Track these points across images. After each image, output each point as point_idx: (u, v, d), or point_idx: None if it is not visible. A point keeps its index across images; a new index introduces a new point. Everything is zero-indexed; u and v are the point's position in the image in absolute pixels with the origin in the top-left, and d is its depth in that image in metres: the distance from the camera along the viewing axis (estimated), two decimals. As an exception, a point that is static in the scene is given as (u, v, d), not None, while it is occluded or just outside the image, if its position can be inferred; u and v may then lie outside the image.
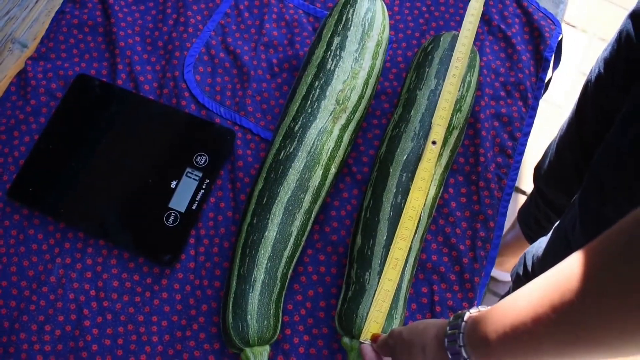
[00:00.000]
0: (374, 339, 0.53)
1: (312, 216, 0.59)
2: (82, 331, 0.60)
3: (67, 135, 0.66)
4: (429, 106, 0.60)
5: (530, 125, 0.68)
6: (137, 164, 0.64)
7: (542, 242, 0.79)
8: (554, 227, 0.74)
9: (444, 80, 0.61)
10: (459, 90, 0.61)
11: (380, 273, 0.56)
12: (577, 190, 0.65)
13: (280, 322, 0.57)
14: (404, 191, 0.58)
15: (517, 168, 0.66)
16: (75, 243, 0.63)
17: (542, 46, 0.70)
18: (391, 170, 0.59)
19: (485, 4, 0.72)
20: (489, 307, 0.40)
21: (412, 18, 0.72)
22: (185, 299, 0.61)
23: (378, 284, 0.55)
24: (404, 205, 0.57)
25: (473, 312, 0.42)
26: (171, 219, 0.62)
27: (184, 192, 0.63)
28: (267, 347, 0.56)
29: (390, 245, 0.56)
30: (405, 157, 0.59)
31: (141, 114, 0.66)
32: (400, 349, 0.47)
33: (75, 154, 0.65)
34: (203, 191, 0.63)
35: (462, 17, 0.72)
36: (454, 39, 0.63)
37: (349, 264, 0.59)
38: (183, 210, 0.62)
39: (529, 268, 0.80)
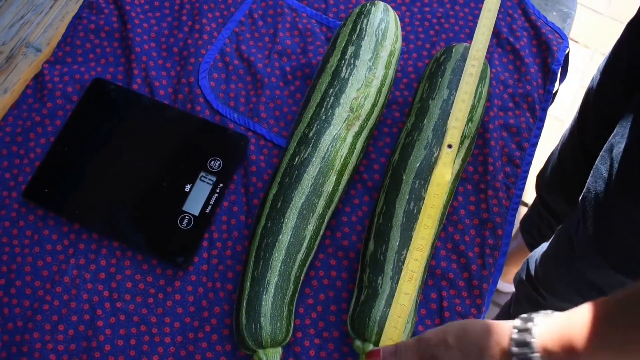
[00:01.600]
0: (371, 355, 0.48)
1: (325, 221, 0.60)
2: (95, 331, 0.60)
3: (83, 137, 0.66)
4: (441, 115, 0.61)
5: (538, 136, 0.69)
6: (151, 167, 0.65)
7: (544, 247, 0.81)
8: (556, 231, 0.75)
9: (456, 91, 0.62)
10: (471, 101, 0.63)
11: (392, 278, 0.57)
12: (579, 197, 0.67)
13: (292, 325, 0.58)
14: (417, 198, 0.59)
15: (525, 178, 0.68)
16: (90, 244, 0.63)
17: (549, 59, 0.72)
18: (404, 177, 0.60)
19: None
20: (567, 313, 0.37)
21: (423, 29, 0.74)
22: (198, 301, 0.62)
23: (390, 288, 0.56)
24: (417, 211, 0.58)
25: (539, 318, 0.39)
26: (185, 221, 0.63)
27: (197, 196, 0.64)
28: (280, 349, 0.57)
29: (403, 250, 0.57)
30: (418, 164, 0.60)
31: (156, 118, 0.67)
32: (444, 355, 0.41)
33: (91, 156, 0.66)
34: (217, 195, 0.64)
35: (471, 29, 0.74)
36: (466, 50, 0.65)
37: (361, 268, 0.59)
38: (197, 214, 0.63)
39: (532, 272, 0.82)
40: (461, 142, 0.62)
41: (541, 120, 0.70)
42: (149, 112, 0.67)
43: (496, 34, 0.74)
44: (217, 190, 0.64)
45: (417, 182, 0.59)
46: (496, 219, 0.65)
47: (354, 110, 0.61)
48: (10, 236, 0.64)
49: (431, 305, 0.62)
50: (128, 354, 0.60)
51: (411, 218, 0.58)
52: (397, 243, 0.58)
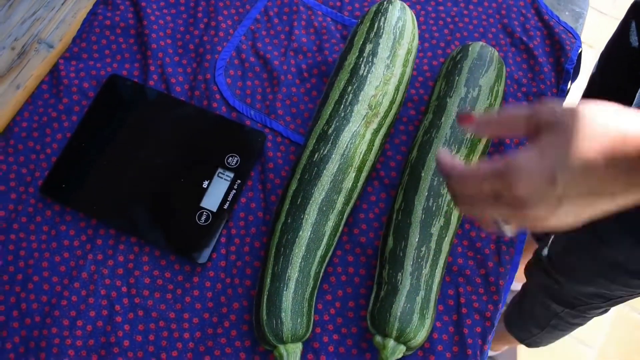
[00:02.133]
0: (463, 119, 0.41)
1: (344, 217, 0.60)
2: (114, 327, 0.60)
3: (100, 133, 0.66)
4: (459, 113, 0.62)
5: (552, 134, 0.70)
6: (169, 163, 0.65)
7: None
8: None
9: (473, 89, 0.63)
10: (488, 99, 0.63)
11: (412, 274, 0.57)
12: None
13: (312, 320, 0.58)
14: (436, 195, 0.59)
15: (540, 176, 0.68)
16: (107, 240, 0.63)
17: (562, 58, 0.73)
18: (423, 174, 0.60)
19: (508, 17, 0.75)
20: None
21: (437, 28, 0.74)
22: (217, 297, 0.62)
23: (410, 284, 0.57)
24: (436, 208, 0.59)
25: None
26: (203, 217, 0.63)
27: (215, 192, 0.64)
28: (300, 345, 0.57)
29: (422, 247, 0.58)
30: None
31: (173, 114, 0.67)
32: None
33: (108, 152, 0.66)
34: (234, 191, 0.64)
35: (485, 28, 0.74)
36: (482, 49, 0.65)
37: (380, 265, 0.60)
38: (215, 210, 0.63)
39: (545, 259, 0.82)
40: (478, 141, 0.62)
41: (555, 119, 0.71)
42: (166, 109, 0.67)
43: (510, 33, 0.74)
44: (235, 187, 0.64)
45: (436, 179, 0.60)
46: (512, 216, 0.65)
47: (373, 107, 0.61)
48: (28, 232, 0.63)
49: (448, 302, 0.62)
50: (147, 350, 0.60)
51: (430, 215, 0.59)
52: (417, 240, 0.58)
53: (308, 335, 0.58)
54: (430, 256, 0.58)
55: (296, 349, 0.57)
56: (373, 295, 0.59)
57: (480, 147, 0.62)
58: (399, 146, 0.68)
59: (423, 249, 0.58)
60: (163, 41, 0.71)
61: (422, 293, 0.57)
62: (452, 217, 0.60)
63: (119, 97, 0.68)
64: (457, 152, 0.61)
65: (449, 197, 0.59)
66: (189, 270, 0.63)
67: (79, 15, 0.78)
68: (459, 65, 0.65)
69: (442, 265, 0.59)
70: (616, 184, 0.34)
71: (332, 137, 0.60)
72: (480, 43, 0.67)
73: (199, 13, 0.73)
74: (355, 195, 0.61)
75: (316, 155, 0.60)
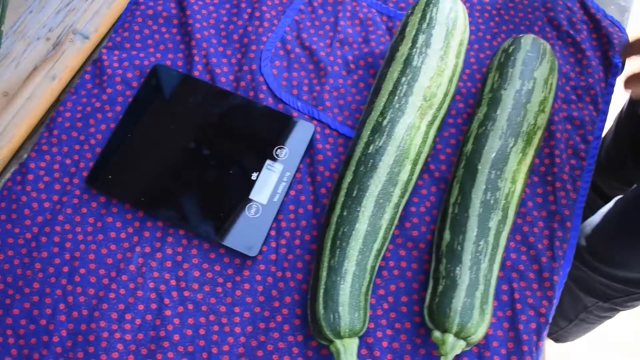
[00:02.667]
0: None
1: (399, 210, 0.59)
2: (163, 320, 0.59)
3: (145, 123, 0.65)
4: (515, 105, 0.61)
5: (602, 129, 0.69)
6: (217, 155, 0.64)
7: (592, 223, 0.81)
8: (615, 202, 0.75)
9: (528, 82, 0.62)
10: (542, 92, 0.62)
11: (471, 268, 0.56)
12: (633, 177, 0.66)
13: (368, 315, 0.57)
14: (494, 188, 0.58)
15: (590, 171, 0.67)
16: (155, 232, 0.62)
17: (610, 52, 0.72)
18: (479, 167, 0.59)
19: (553, 9, 0.74)
20: None
21: (483, 21, 0.73)
22: (268, 291, 0.60)
23: (469, 278, 0.56)
24: (494, 202, 0.58)
25: None
26: (253, 210, 0.62)
27: (264, 184, 0.63)
28: (357, 340, 0.56)
29: (481, 240, 0.57)
30: (493, 154, 0.59)
31: (220, 105, 0.66)
32: None
33: (154, 142, 0.64)
34: (284, 184, 0.63)
35: (531, 21, 0.73)
36: (535, 41, 0.64)
37: (436, 259, 0.59)
38: (265, 202, 0.62)
39: (583, 249, 0.82)
40: (534, 133, 0.61)
41: (604, 113, 0.70)
42: (212, 99, 0.66)
43: (556, 26, 0.73)
44: (285, 179, 0.63)
45: (493, 172, 0.59)
46: (564, 211, 0.64)
47: (427, 99, 0.60)
48: (73, 223, 0.62)
49: (502, 298, 0.61)
50: (197, 344, 0.59)
51: (488, 208, 0.58)
52: (475, 233, 0.57)
53: (364, 329, 0.57)
54: (489, 250, 0.57)
55: (353, 344, 0.56)
56: (430, 290, 0.58)
57: (536, 140, 0.61)
58: (447, 139, 0.67)
59: (481, 243, 0.57)
60: (207, 31, 0.70)
61: (481, 288, 0.56)
62: (509, 211, 0.59)
63: (164, 86, 0.67)
64: (514, 144, 0.60)
65: (506, 190, 0.58)
66: (238, 263, 0.61)
67: (113, 6, 0.77)
68: (512, 58, 0.64)
69: (499, 260, 0.58)
70: None
71: (387, 129, 0.59)
72: (532, 35, 0.66)
73: (242, 3, 0.72)
74: (410, 189, 0.60)
75: (371, 147, 0.59)
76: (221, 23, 0.71)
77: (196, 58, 0.68)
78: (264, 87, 0.68)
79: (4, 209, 0.62)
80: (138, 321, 0.59)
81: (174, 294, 0.60)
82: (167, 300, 0.60)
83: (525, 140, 0.60)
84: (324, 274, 0.56)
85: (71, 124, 0.66)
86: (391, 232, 0.59)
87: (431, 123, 0.61)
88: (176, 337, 0.59)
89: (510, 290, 0.62)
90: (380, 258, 0.58)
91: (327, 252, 0.57)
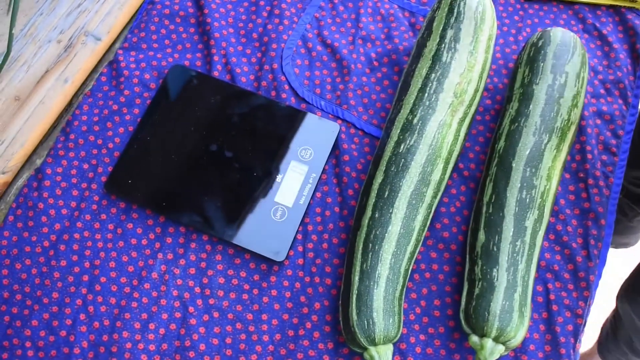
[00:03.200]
0: None
1: (432, 211, 0.57)
2: (188, 330, 0.57)
3: (165, 125, 0.63)
4: (548, 100, 0.59)
5: (633, 123, 0.67)
6: (240, 157, 0.62)
7: None
8: None
9: (560, 76, 0.60)
10: (575, 86, 0.60)
11: (508, 269, 0.54)
12: None
13: (402, 320, 0.55)
14: (529, 186, 0.56)
15: (623, 166, 0.65)
16: (177, 238, 0.60)
17: (638, 44, 0.70)
18: (514, 164, 0.57)
19: (578, 2, 0.72)
20: None
21: (507, 15, 0.71)
22: (296, 297, 0.58)
23: (507, 280, 0.54)
24: (529, 200, 0.56)
25: None
26: (278, 213, 0.60)
27: (290, 186, 0.61)
28: (391, 347, 0.54)
29: (517, 240, 0.55)
30: (527, 151, 0.57)
31: (242, 105, 0.64)
32: None
33: (174, 145, 0.62)
34: (310, 185, 0.61)
35: (556, 14, 0.71)
36: (565, 34, 0.62)
37: (470, 260, 0.57)
38: (290, 205, 0.60)
39: None
40: (568, 129, 0.59)
41: (634, 107, 0.68)
42: (233, 100, 0.64)
43: (581, 19, 0.71)
44: (310, 181, 0.61)
45: (528, 169, 0.57)
46: (598, 208, 0.62)
47: (458, 95, 0.58)
48: (92, 230, 0.60)
49: (537, 299, 0.59)
50: (224, 354, 0.56)
51: (524, 207, 0.56)
52: (511, 233, 0.55)
53: (398, 336, 0.55)
54: (526, 251, 0.55)
55: (387, 350, 0.53)
56: (465, 293, 0.56)
57: (570, 136, 0.59)
58: (475, 136, 0.65)
59: (518, 243, 0.55)
60: (225, 30, 0.68)
61: (519, 290, 0.54)
62: (545, 210, 0.57)
63: (183, 87, 0.65)
64: (549, 141, 0.58)
65: (542, 188, 0.56)
66: (265, 269, 0.59)
67: (125, 7, 0.75)
68: (542, 52, 0.62)
69: (535, 261, 0.56)
70: None
71: (418, 127, 0.57)
72: (561, 29, 0.64)
73: (260, 0, 0.70)
74: (442, 188, 0.58)
75: (402, 146, 0.57)
76: (240, 21, 0.69)
77: (215, 58, 0.66)
78: (286, 87, 0.66)
79: (20, 216, 0.60)
80: (162, 331, 0.57)
81: (199, 301, 0.58)
82: (191, 309, 0.58)
83: (559, 136, 0.58)
84: (356, 278, 0.54)
85: (88, 128, 0.64)
86: (423, 234, 0.57)
87: (462, 120, 0.59)
88: (202, 346, 0.56)
89: (546, 291, 0.60)
90: (413, 261, 0.56)
91: (358, 255, 0.55)
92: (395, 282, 0.54)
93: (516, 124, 0.59)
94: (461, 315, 0.55)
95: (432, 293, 0.59)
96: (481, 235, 0.56)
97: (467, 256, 0.58)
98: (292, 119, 0.64)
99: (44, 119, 0.68)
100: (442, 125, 0.57)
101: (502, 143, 0.59)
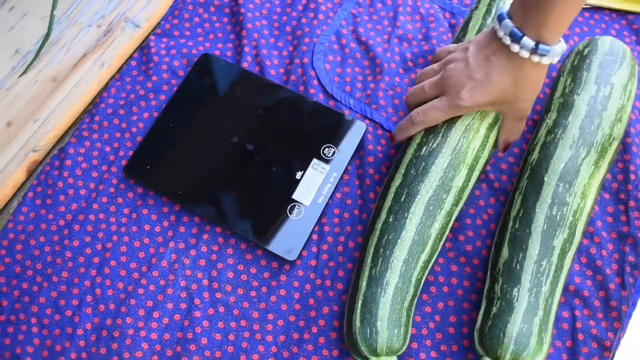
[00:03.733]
0: None
1: (452, 219, 0.54)
2: (192, 322, 0.55)
3: (189, 114, 0.62)
4: (589, 112, 0.55)
5: (685, 145, 0.62)
6: (261, 150, 0.60)
7: None
8: None
9: (604, 87, 0.56)
10: (620, 99, 0.56)
11: (531, 290, 0.50)
12: None
13: (409, 333, 0.52)
14: (561, 203, 0.52)
15: (671, 191, 0.60)
16: (190, 228, 0.59)
17: (698, 62, 0.65)
18: (546, 178, 0.53)
19: (632, 11, 0.67)
20: None
21: (556, 22, 0.67)
22: (305, 299, 0.56)
23: (528, 302, 0.50)
24: (560, 218, 0.52)
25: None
26: (295, 211, 0.58)
27: (309, 184, 0.59)
28: (395, 359, 0.51)
29: (543, 260, 0.51)
30: (562, 165, 0.53)
31: (268, 98, 0.62)
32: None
33: (196, 134, 0.61)
34: (330, 185, 0.59)
35: (607, 24, 0.67)
36: (613, 43, 0.58)
37: (491, 277, 0.53)
38: (308, 203, 0.58)
39: None
40: (609, 144, 0.55)
41: (689, 128, 0.63)
42: (260, 92, 0.63)
43: (635, 30, 0.67)
44: (331, 180, 0.59)
45: (561, 185, 0.53)
46: (637, 233, 0.58)
47: (490, 101, 0.55)
48: (108, 213, 0.60)
49: (562, 325, 0.55)
50: (225, 350, 0.55)
51: (553, 225, 0.52)
52: (537, 252, 0.51)
53: (404, 348, 0.52)
54: (552, 272, 0.51)
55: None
56: (482, 311, 0.52)
57: (610, 153, 0.55)
58: (511, 147, 0.61)
59: (544, 263, 0.51)
60: (259, 22, 0.67)
61: (540, 313, 0.50)
62: (576, 229, 0.53)
63: (211, 77, 0.64)
64: (587, 156, 0.53)
65: (575, 205, 0.52)
66: (276, 267, 0.57)
67: (166, -5, 0.75)
68: (587, 60, 0.58)
69: (562, 284, 0.52)
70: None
71: (442, 130, 0.54)
72: (610, 37, 0.59)
73: (297, -6, 0.69)
74: (465, 196, 0.55)
75: (424, 149, 0.54)
76: (274, 14, 0.68)
77: (246, 49, 0.65)
78: (315, 82, 0.64)
79: (40, 193, 0.61)
80: (165, 320, 0.56)
81: (206, 294, 0.57)
82: (197, 301, 0.56)
83: (598, 151, 0.54)
84: (363, 284, 0.52)
85: (113, 111, 0.64)
86: (441, 243, 0.54)
87: (491, 126, 0.55)
88: (204, 340, 0.55)
89: (572, 318, 0.55)
90: (427, 271, 0.53)
91: (368, 260, 0.52)
92: (405, 291, 0.51)
93: (552, 135, 0.55)
94: (475, 335, 0.52)
95: (448, 308, 0.56)
96: (504, 251, 0.53)
97: (488, 272, 0.54)
98: (318, 116, 0.62)
99: (78, 101, 0.68)
100: (468, 130, 0.54)
101: (535, 155, 0.55)
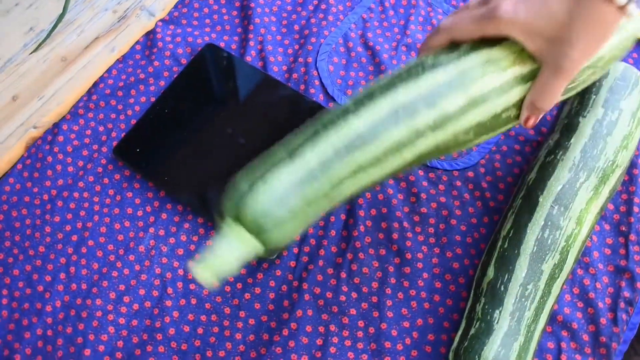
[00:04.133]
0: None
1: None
2: (162, 311, 0.54)
3: (185, 102, 0.61)
4: (593, 136, 0.53)
5: (696, 183, 0.59)
6: (252, 145, 0.59)
7: None
8: None
9: (612, 111, 0.53)
10: (628, 125, 0.54)
11: (513, 313, 0.48)
12: None
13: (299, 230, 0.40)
14: (553, 226, 0.50)
15: (675, 229, 0.57)
16: (173, 216, 0.58)
17: None
18: (541, 199, 0.51)
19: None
20: None
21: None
22: (279, 300, 0.54)
23: (509, 326, 0.47)
24: (551, 242, 0.49)
25: None
26: (279, 209, 0.56)
27: (297, 183, 0.57)
28: (254, 242, 0.39)
29: (529, 284, 0.48)
30: (559, 187, 0.51)
31: (267, 94, 0.61)
32: None
33: (190, 123, 0.60)
34: (318, 186, 0.57)
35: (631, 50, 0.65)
36: (627, 70, 0.56)
37: (474, 296, 0.51)
38: (293, 202, 0.56)
39: None
40: (612, 171, 0.52)
41: (701, 166, 0.60)
42: (260, 87, 0.62)
43: (656, 63, 0.64)
44: (320, 181, 0.57)
45: (556, 207, 0.50)
46: (636, 269, 0.55)
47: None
48: (92, 192, 0.59)
49: (546, 356, 0.52)
50: (192, 343, 0.53)
51: (544, 248, 0.49)
52: (524, 274, 0.49)
53: (280, 246, 0.40)
54: (537, 297, 0.49)
55: (245, 239, 0.39)
56: (460, 332, 0.50)
57: (613, 180, 0.53)
58: (510, 167, 0.59)
59: (529, 287, 0.49)
60: (267, 17, 0.66)
61: (520, 339, 0.48)
62: (568, 256, 0.50)
63: (213, 67, 0.63)
64: (586, 180, 0.51)
65: (569, 230, 0.50)
66: (254, 264, 0.56)
67: (184, -13, 0.75)
68: (597, 84, 0.56)
69: (548, 311, 0.50)
70: None
71: (457, 53, 0.48)
72: (624, 63, 0.57)
73: (309, -6, 0.68)
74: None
75: None
76: (284, 11, 0.67)
77: (251, 43, 0.64)
78: (317, 82, 0.62)
79: (29, 166, 0.60)
80: (136, 306, 0.54)
81: (179, 284, 0.55)
82: (170, 290, 0.55)
83: (599, 177, 0.52)
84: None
85: (112, 92, 0.63)
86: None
87: (523, 79, 0.43)
88: (172, 330, 0.53)
89: (557, 350, 0.52)
90: None
91: None
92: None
93: (552, 156, 0.53)
94: (450, 355, 0.49)
95: (427, 326, 0.53)
96: (490, 271, 0.50)
97: (472, 291, 0.52)
98: (315, 115, 0.60)
99: (84, 83, 0.68)
100: (490, 63, 0.42)
101: (533, 175, 0.53)
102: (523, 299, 0.48)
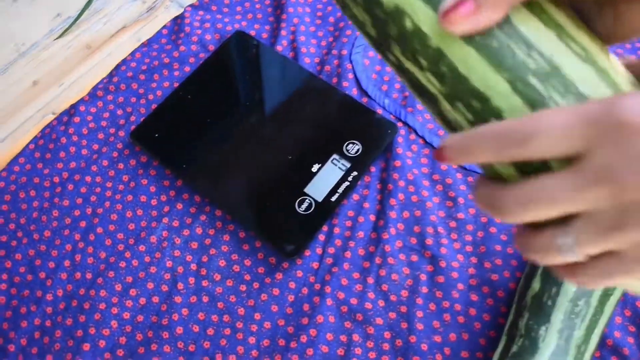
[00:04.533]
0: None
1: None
2: (170, 307, 0.49)
3: (210, 89, 0.58)
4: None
5: None
6: (278, 136, 0.55)
7: None
8: None
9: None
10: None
11: (561, 332, 0.43)
12: None
13: None
14: (609, 236, 0.45)
15: None
16: (189, 206, 0.54)
17: None
18: (595, 207, 0.46)
19: None
20: None
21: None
22: (299, 303, 0.50)
23: (557, 345, 0.42)
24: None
25: None
26: (304, 205, 0.52)
27: (325, 179, 0.53)
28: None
29: (581, 300, 0.43)
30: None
31: (297, 85, 0.58)
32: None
33: (213, 111, 0.57)
34: (347, 184, 0.53)
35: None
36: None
37: (516, 311, 0.46)
38: (320, 200, 0.52)
39: None
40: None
41: None
42: (289, 77, 0.58)
43: None
44: (349, 179, 0.53)
45: (612, 217, 0.45)
46: (696, 295, 0.49)
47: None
48: (106, 177, 0.55)
49: (594, 385, 0.47)
50: (200, 344, 0.48)
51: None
52: (574, 289, 0.44)
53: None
54: (589, 315, 0.43)
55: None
56: (501, 348, 0.45)
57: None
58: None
59: (580, 303, 0.43)
60: (302, 7, 0.63)
61: (569, 360, 0.42)
62: (624, 272, 0.45)
63: (242, 55, 0.60)
64: None
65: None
66: (273, 263, 0.51)
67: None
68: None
69: (599, 333, 0.44)
70: None
71: None
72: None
73: (347, -13, 0.65)
74: None
75: None
76: (319, 2, 0.64)
77: (283, 32, 0.61)
78: (350, 76, 0.59)
79: (41, 146, 0.57)
80: (142, 300, 0.50)
81: (191, 280, 0.51)
82: (181, 285, 0.50)
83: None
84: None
85: (134, 75, 0.60)
86: None
87: None
88: (179, 329, 0.49)
89: (607, 379, 0.47)
90: None
91: None
92: None
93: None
94: (488, 374, 0.44)
95: (461, 342, 0.48)
96: (535, 283, 0.45)
97: (514, 305, 0.47)
98: (347, 110, 0.56)
99: (106, 72, 0.65)
100: None
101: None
102: (573, 316, 0.43)
